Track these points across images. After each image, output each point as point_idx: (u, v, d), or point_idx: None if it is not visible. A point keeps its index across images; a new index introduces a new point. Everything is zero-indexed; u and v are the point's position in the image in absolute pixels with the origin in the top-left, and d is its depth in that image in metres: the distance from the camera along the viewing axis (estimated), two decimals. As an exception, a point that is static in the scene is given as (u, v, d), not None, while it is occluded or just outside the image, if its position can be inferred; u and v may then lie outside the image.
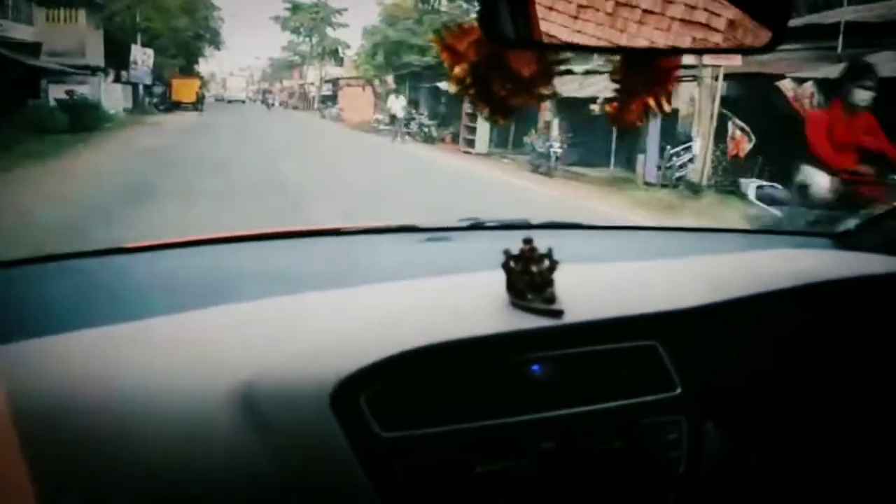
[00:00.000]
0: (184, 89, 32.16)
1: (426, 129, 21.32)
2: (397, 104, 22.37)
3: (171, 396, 0.94)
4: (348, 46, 42.57)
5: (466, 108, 15.41)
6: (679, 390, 1.08)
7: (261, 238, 1.52)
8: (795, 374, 1.33)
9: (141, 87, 27.75)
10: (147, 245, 1.41)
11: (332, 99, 38.01)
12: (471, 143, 18.00)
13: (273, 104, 36.94)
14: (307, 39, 45.25)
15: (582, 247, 1.59)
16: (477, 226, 1.61)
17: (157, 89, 29.66)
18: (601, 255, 1.41)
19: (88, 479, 0.86)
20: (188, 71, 34.66)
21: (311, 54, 45.64)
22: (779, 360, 1.32)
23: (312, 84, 45.17)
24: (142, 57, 26.71)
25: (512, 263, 1.06)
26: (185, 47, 32.15)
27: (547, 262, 1.06)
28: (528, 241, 1.06)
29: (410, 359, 0.96)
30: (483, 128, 17.19)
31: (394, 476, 0.91)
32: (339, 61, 42.73)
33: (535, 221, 1.66)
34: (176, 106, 30.59)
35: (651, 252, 1.43)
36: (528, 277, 1.06)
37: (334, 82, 39.43)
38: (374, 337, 0.99)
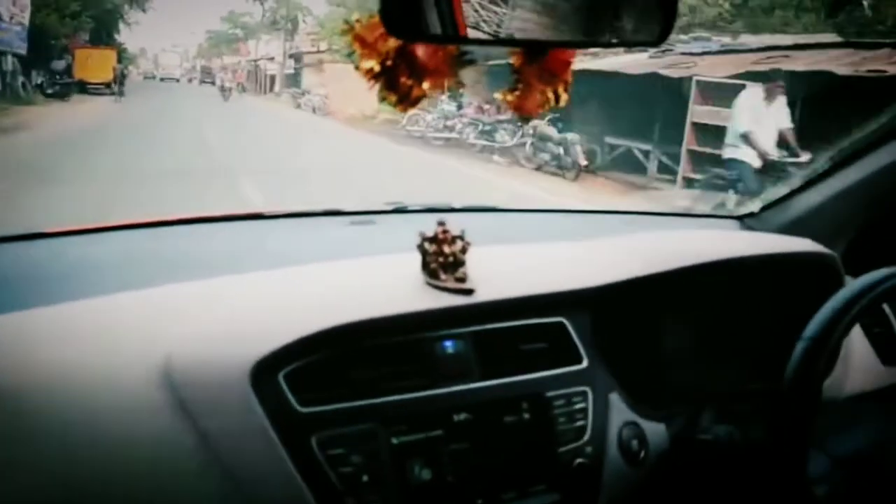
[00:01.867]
0: (93, 64, 22.37)
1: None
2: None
3: (91, 380, 0.96)
4: (309, 13, 35.13)
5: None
6: (585, 363, 1.15)
7: (183, 223, 1.53)
8: (697, 346, 1.42)
9: (10, 60, 17.20)
10: (66, 230, 1.40)
11: (294, 80, 30.00)
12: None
13: (229, 89, 25.71)
14: (258, 2, 37.70)
15: (500, 229, 1.65)
16: (401, 209, 1.65)
17: (59, 64, 20.41)
18: (517, 237, 1.47)
19: (5, 461, 0.89)
20: (102, 41, 25.62)
21: (263, 23, 38.39)
22: (681, 333, 1.40)
23: (272, 60, 35.49)
24: (8, 10, 17.03)
25: (426, 245, 1.11)
26: (93, 2, 23.15)
27: (460, 244, 1.11)
28: (441, 224, 1.11)
29: (327, 337, 1.00)
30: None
31: (311, 450, 0.95)
32: (291, 34, 35.12)
33: (457, 205, 1.71)
34: (81, 88, 21.45)
35: (563, 233, 1.50)
36: (442, 258, 1.10)
37: (296, 58, 31.05)
38: (293, 317, 1.02)
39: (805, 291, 0.92)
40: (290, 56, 32.18)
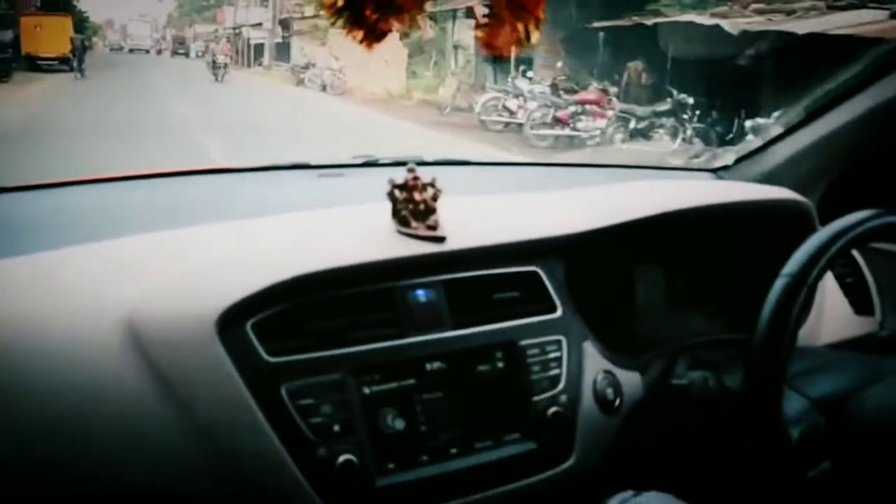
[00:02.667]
0: (44, 34, 18.46)
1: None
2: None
3: (51, 336, 0.94)
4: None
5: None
6: (560, 312, 1.13)
7: (149, 177, 1.49)
8: (672, 294, 1.41)
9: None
10: (25, 185, 1.36)
11: (283, 51, 25.39)
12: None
13: (223, 65, 19.81)
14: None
15: (472, 182, 1.62)
16: (371, 163, 1.62)
17: (4, 35, 16.17)
18: (490, 189, 1.45)
19: None
20: (59, 7, 20.67)
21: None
22: (656, 281, 1.39)
23: (258, 27, 30.02)
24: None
25: (396, 192, 1.08)
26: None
27: (431, 191, 1.09)
28: (411, 170, 1.08)
29: (296, 285, 0.97)
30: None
31: (281, 400, 0.93)
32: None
33: (428, 158, 1.68)
34: (31, 64, 17.83)
35: (537, 186, 1.47)
36: (413, 205, 1.08)
37: (284, 24, 25.84)
38: (261, 266, 1.00)
39: (780, 240, 0.90)
40: (279, 22, 27.23)
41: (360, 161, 1.64)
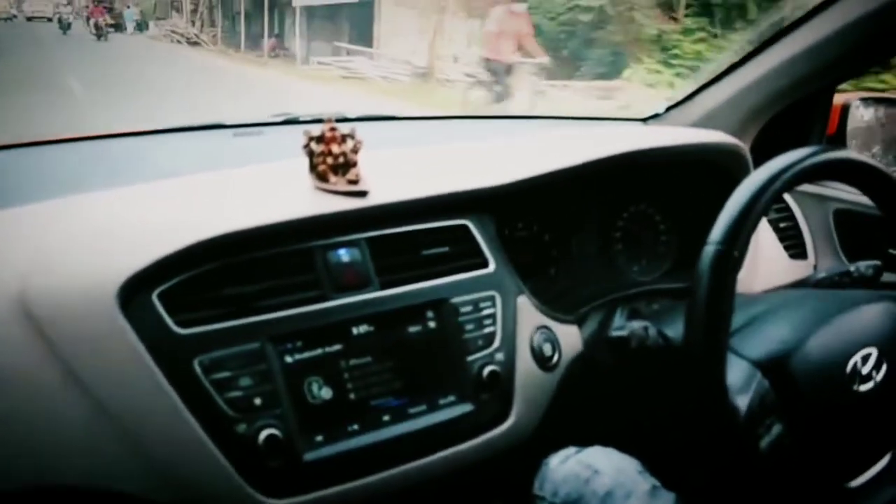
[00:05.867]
0: None
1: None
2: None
3: None
4: None
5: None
6: (492, 267, 1.07)
7: (57, 142, 1.37)
8: (609, 244, 1.37)
9: None
10: None
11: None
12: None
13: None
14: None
15: (398, 137, 1.54)
16: (291, 121, 1.52)
17: None
18: (417, 143, 1.37)
19: None
20: None
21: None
22: (592, 232, 1.35)
23: None
24: None
25: (313, 145, 1.00)
26: None
27: (350, 142, 1.01)
28: (329, 121, 1.01)
29: (206, 249, 0.89)
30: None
31: (194, 375, 0.85)
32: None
33: (351, 114, 1.60)
34: None
35: (466, 139, 1.41)
36: (331, 159, 1.00)
37: None
38: (166, 230, 0.90)
39: (714, 184, 0.86)
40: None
41: (279, 119, 1.55)
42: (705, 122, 1.58)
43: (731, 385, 0.81)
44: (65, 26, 25.78)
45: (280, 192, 1.01)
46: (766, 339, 0.86)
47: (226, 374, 0.86)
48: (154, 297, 0.86)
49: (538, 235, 1.30)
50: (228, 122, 1.53)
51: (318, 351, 0.93)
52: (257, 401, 0.87)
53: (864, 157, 0.91)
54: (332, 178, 1.00)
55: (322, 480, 0.91)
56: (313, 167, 1.01)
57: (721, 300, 0.79)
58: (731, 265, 0.79)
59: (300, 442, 0.90)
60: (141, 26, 29.12)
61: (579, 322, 1.18)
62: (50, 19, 31.65)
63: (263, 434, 0.86)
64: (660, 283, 1.36)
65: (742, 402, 0.80)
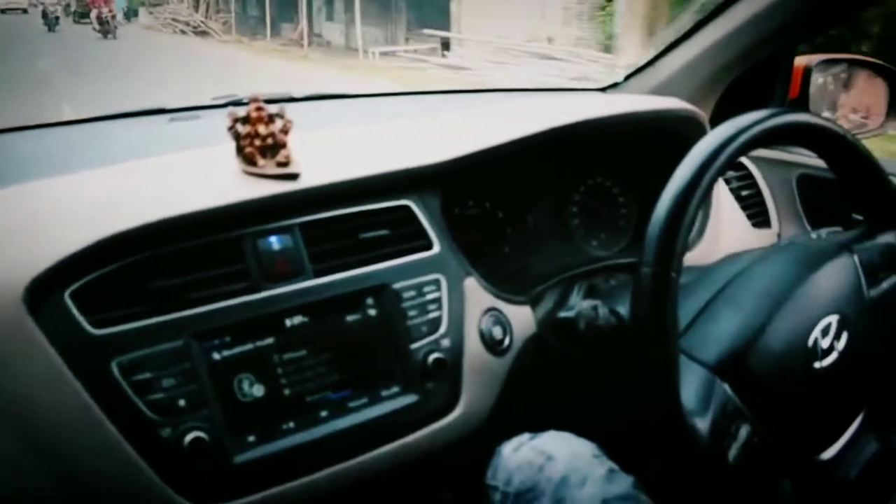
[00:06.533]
0: None
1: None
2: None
3: None
4: None
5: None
6: (437, 249, 1.02)
7: None
8: (562, 220, 1.32)
9: None
10: None
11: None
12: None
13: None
14: None
15: (348, 115, 1.48)
16: (233, 103, 1.45)
17: None
18: (366, 120, 1.31)
19: None
20: None
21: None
22: (544, 207, 1.30)
23: None
24: None
25: (238, 126, 0.94)
26: None
27: (279, 122, 0.95)
28: (255, 100, 0.94)
29: (121, 243, 0.83)
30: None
31: (112, 378, 0.80)
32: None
33: (298, 93, 1.53)
34: None
35: (417, 115, 1.35)
36: (259, 140, 0.94)
37: None
38: (80, 223, 0.84)
39: (673, 154, 0.81)
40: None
41: (221, 101, 1.48)
42: (664, 90, 1.53)
43: (690, 398, 0.76)
44: (51, 22, 21.45)
45: (205, 178, 0.94)
46: (719, 336, 0.81)
47: (147, 375, 0.81)
48: (66, 297, 0.80)
49: (491, 213, 1.25)
50: (169, 107, 1.46)
51: (249, 346, 0.88)
52: (182, 402, 0.82)
53: (814, 118, 0.87)
54: (261, 161, 0.94)
55: (256, 483, 0.86)
56: (240, 150, 0.95)
57: (667, 276, 0.74)
58: (677, 243, 0.74)
59: (230, 444, 0.84)
60: (128, 15, 25.76)
61: (533, 302, 1.13)
62: (26, 10, 27.53)
63: (189, 437, 0.81)
64: (619, 257, 1.31)
65: (704, 419, 0.75)
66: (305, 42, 16.98)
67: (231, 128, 0.94)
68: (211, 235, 0.89)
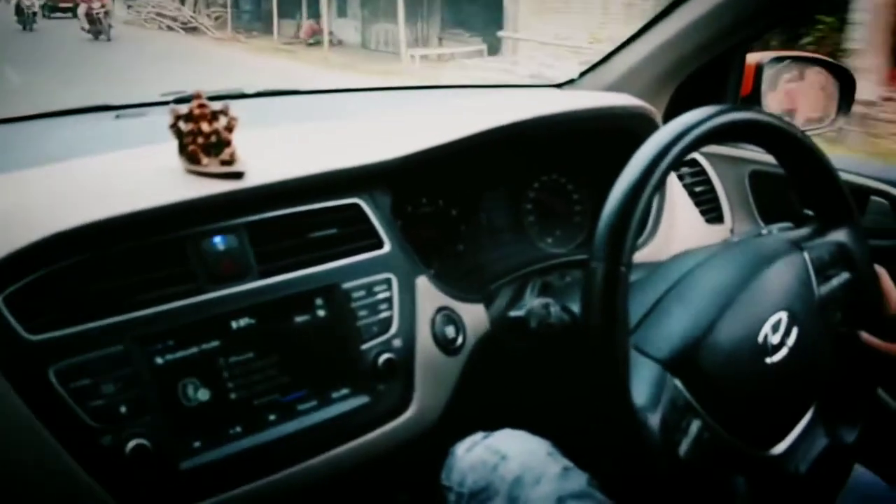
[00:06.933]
0: None
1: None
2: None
3: None
4: None
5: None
6: (387, 248, 1.00)
7: None
8: (515, 217, 1.32)
9: None
10: None
11: None
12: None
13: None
14: None
15: (302, 112, 1.45)
16: (182, 99, 1.42)
17: None
18: (319, 117, 1.28)
19: None
20: None
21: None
22: (497, 204, 1.29)
23: None
24: None
25: (181, 124, 0.92)
26: None
27: (224, 119, 0.93)
28: (197, 97, 0.92)
29: (58, 244, 0.80)
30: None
31: (49, 385, 0.77)
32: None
33: (249, 90, 1.50)
34: None
35: (372, 112, 1.33)
36: (202, 138, 0.92)
37: None
38: (13, 225, 0.81)
39: (626, 151, 0.80)
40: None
41: (169, 98, 1.44)
42: (619, 86, 1.53)
43: (640, 392, 0.75)
44: (27, 19, 17.83)
45: (147, 177, 0.92)
46: (670, 332, 0.81)
47: (86, 381, 0.78)
48: (0, 302, 0.77)
49: (444, 210, 1.24)
50: (115, 104, 1.42)
51: (193, 349, 0.85)
52: (123, 409, 0.79)
53: (764, 115, 0.87)
54: (205, 160, 0.92)
55: (203, 489, 0.84)
56: (183, 148, 0.92)
57: (616, 271, 0.73)
58: (626, 239, 0.73)
59: (175, 450, 0.82)
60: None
61: (487, 300, 1.12)
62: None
63: (131, 444, 0.79)
64: (574, 254, 1.31)
65: (654, 414, 0.75)
66: (325, 41, 15.23)
67: (173, 125, 0.91)
68: (153, 236, 0.86)
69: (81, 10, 16.87)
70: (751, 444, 0.81)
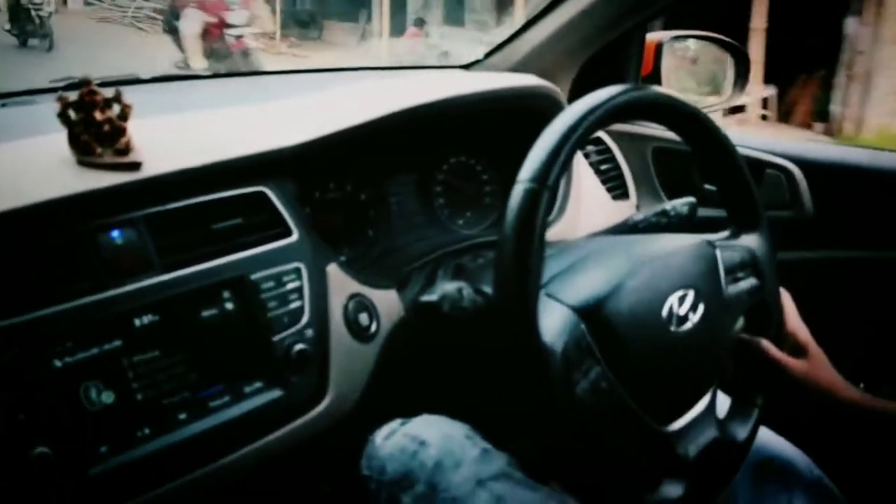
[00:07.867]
0: None
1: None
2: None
3: None
4: None
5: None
6: (295, 236, 0.98)
7: None
8: (426, 201, 1.31)
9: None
10: None
11: None
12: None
13: None
14: None
15: (194, 98, 1.40)
16: (72, 86, 1.34)
17: None
18: (220, 103, 1.24)
19: None
20: None
21: None
22: (407, 188, 1.28)
23: None
24: None
25: (70, 112, 0.86)
26: None
27: (117, 107, 0.88)
28: (86, 83, 0.87)
29: None
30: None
31: None
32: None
33: (146, 75, 1.44)
34: None
35: (276, 96, 1.29)
36: (94, 128, 0.87)
37: None
38: None
39: (532, 130, 0.81)
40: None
41: (59, 84, 1.36)
42: (523, 66, 1.54)
43: (547, 328, 0.76)
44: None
45: (37, 169, 0.86)
46: (582, 285, 0.83)
47: None
48: None
49: (353, 196, 1.22)
50: (2, 91, 1.33)
51: (94, 350, 0.81)
52: (21, 416, 0.75)
53: (664, 94, 0.89)
54: (98, 150, 0.87)
55: (115, 495, 0.80)
56: (73, 138, 0.87)
57: (530, 238, 0.73)
58: (540, 203, 0.74)
59: (81, 457, 0.78)
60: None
61: (400, 286, 1.11)
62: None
63: (34, 453, 0.74)
64: (486, 235, 1.31)
65: (557, 345, 0.76)
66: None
67: (61, 114, 0.86)
68: (45, 232, 0.81)
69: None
70: (646, 412, 0.83)
